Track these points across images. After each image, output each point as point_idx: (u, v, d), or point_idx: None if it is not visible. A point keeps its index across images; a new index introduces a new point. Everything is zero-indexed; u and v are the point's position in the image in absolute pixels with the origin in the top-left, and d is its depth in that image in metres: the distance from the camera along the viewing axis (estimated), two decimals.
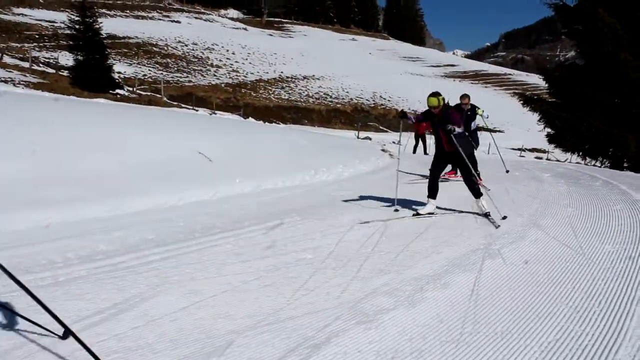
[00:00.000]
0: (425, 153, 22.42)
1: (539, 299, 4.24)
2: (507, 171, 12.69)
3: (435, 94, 7.52)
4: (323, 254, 5.50)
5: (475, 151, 8.62)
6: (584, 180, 11.56)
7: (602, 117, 20.34)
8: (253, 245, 5.76)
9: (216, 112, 35.80)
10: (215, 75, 61.75)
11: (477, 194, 7.57)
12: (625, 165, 21.04)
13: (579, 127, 20.99)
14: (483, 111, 11.38)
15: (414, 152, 22.47)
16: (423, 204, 7.86)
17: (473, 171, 7.54)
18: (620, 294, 4.33)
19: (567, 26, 22.59)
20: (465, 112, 11.06)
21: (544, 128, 23.13)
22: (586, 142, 21.69)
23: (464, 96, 11.18)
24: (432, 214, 7.61)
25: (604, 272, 4.87)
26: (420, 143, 22.33)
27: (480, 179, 9.15)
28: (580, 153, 22.78)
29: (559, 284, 4.59)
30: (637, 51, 19.33)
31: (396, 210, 7.89)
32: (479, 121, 11.71)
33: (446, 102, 7.77)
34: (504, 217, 7.32)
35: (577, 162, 22.96)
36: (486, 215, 7.39)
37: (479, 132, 11.85)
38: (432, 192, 7.66)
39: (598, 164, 22.23)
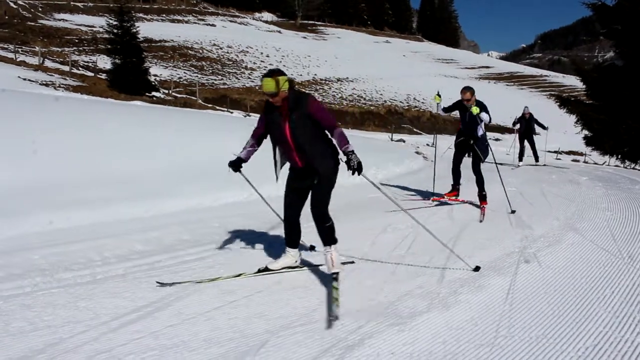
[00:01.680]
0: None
1: (576, 303, 4.16)
2: (514, 211, 8.14)
3: (273, 73, 4.35)
4: (357, 255, 5.50)
5: (482, 164, 8.39)
6: (622, 183, 11.31)
7: None
8: (280, 244, 5.79)
9: (250, 114, 36.02)
10: (249, 78, 62.18)
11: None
12: None
13: (618, 129, 20.56)
14: (479, 110, 8.06)
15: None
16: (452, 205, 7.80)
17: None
18: None
19: (606, 26, 22.16)
20: (469, 111, 8.26)
21: (582, 130, 22.74)
22: (625, 144, 21.23)
23: (465, 89, 8.40)
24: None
25: None
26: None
27: (485, 202, 8.24)
28: (619, 156, 22.31)
29: (597, 288, 4.50)
30: None
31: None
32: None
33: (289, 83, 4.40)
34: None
35: (615, 166, 22.45)
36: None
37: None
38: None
39: (638, 167, 21.74)
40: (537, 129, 16.63)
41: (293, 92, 4.42)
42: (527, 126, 16.22)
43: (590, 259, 5.37)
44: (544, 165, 16.59)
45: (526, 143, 16.44)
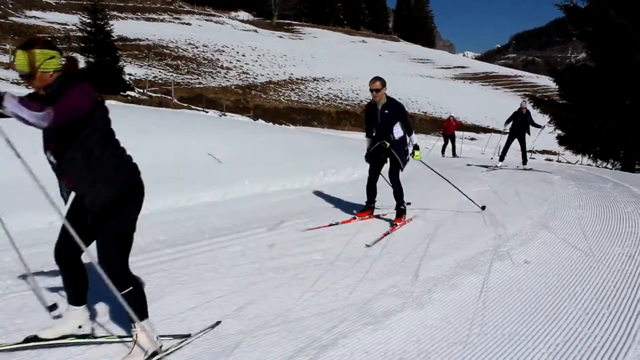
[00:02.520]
0: (454, 154, 22.14)
1: (547, 300, 4.23)
2: (483, 207, 8.19)
3: (29, 45, 2.98)
4: (332, 255, 5.52)
5: (401, 171, 7.20)
6: (594, 182, 11.49)
7: (613, 119, 20.21)
8: (262, 246, 5.79)
9: (226, 113, 35.88)
10: (225, 77, 61.91)
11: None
12: (636, 167, 20.91)
13: (590, 129, 20.90)
14: (390, 143, 7.02)
15: (443, 153, 22.21)
16: (429, 209, 7.85)
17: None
18: (630, 296, 4.31)
19: (578, 28, 22.50)
20: (382, 108, 6.99)
21: (555, 130, 23.06)
22: (597, 144, 21.58)
23: (374, 79, 7.07)
24: None
25: (613, 275, 4.85)
26: (450, 144, 22.24)
27: (401, 219, 7.11)
28: (591, 155, 22.67)
29: (568, 286, 4.57)
30: None
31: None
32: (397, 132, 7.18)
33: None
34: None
35: (587, 164, 22.80)
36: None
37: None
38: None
39: (609, 166, 22.11)
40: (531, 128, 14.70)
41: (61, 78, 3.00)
42: (522, 123, 14.20)
43: (562, 256, 5.46)
44: (530, 169, 14.55)
45: (515, 142, 14.58)
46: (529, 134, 14.51)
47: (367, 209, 7.47)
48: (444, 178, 8.49)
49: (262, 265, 5.11)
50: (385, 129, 7.05)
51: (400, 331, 3.63)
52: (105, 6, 41.08)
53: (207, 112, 34.61)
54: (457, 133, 23.78)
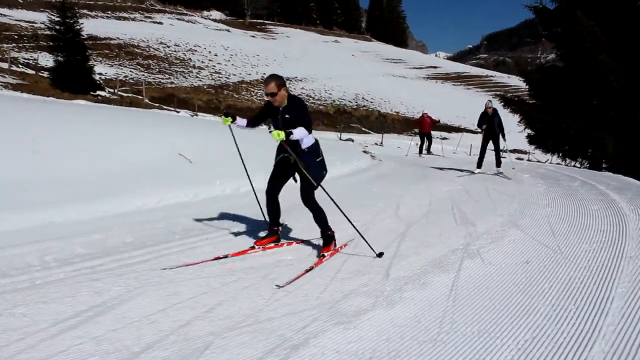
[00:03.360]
0: (429, 152, 22.20)
1: (516, 298, 4.28)
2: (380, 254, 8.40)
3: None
4: (303, 256, 5.50)
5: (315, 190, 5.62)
6: (563, 180, 11.69)
7: (581, 118, 20.59)
8: (233, 247, 5.74)
9: (198, 113, 35.65)
10: (197, 77, 61.51)
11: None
12: (603, 165, 21.29)
13: (559, 129, 21.26)
14: (284, 135, 5.18)
15: (420, 152, 21.96)
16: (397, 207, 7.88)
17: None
18: (596, 292, 4.39)
19: (547, 29, 22.87)
20: (283, 112, 5.56)
21: (525, 129, 23.39)
22: (566, 143, 21.97)
23: (270, 78, 5.54)
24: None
25: (580, 271, 4.93)
26: (426, 142, 22.17)
27: (329, 248, 5.62)
28: (560, 154, 23.05)
29: (536, 283, 4.64)
30: (615, 53, 19.57)
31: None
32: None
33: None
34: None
35: (557, 163, 23.19)
36: None
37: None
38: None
39: (577, 164, 22.48)
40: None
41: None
42: (489, 124, 13.20)
43: (531, 254, 5.54)
44: (501, 173, 13.60)
45: (490, 145, 13.65)
46: (504, 137, 13.42)
47: (270, 234, 5.89)
48: (335, 203, 6.87)
49: (233, 266, 5.08)
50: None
51: (370, 330, 3.64)
52: (74, 4, 40.59)
53: (178, 112, 34.38)
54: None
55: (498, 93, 33.90)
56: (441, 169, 14.79)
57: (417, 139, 23.06)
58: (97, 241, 5.69)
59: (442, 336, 3.55)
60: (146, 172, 8.77)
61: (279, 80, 5.45)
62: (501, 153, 14.16)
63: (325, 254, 5.48)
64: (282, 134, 5.13)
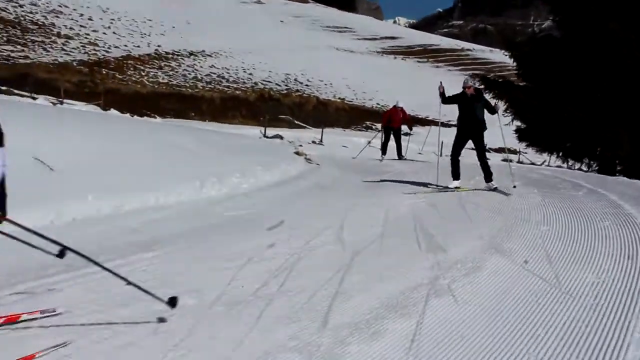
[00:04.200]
0: (400, 156, 22.21)
1: (501, 349, 4.30)
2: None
3: None
4: (210, 298, 5.40)
5: None
6: (563, 189, 11.99)
7: (586, 106, 21.00)
8: (112, 288, 5.58)
9: (64, 101, 34.94)
10: (63, 50, 60.43)
11: None
12: (617, 168, 21.82)
13: (557, 120, 21.60)
14: None
15: (384, 152, 22.16)
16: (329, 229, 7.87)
17: None
18: (606, 339, 4.45)
19: None
20: None
21: (512, 121, 23.74)
22: (567, 139, 22.38)
23: None
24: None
25: (585, 311, 5.00)
26: (393, 141, 22.18)
27: None
28: (560, 154, 23.48)
29: (527, 327, 4.67)
30: (630, 19, 19.99)
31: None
32: None
33: None
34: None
35: (557, 166, 23.74)
36: None
37: None
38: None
39: (583, 167, 23.06)
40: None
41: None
42: (468, 112, 12.49)
43: (521, 289, 5.59)
44: (494, 189, 12.62)
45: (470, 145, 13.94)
46: (484, 126, 12.63)
47: None
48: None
49: (110, 315, 4.92)
50: None
51: None
52: None
53: (35, 98, 33.55)
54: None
55: (477, 72, 34.63)
56: (401, 176, 14.91)
57: (378, 138, 23.37)
58: None
59: None
60: None
61: None
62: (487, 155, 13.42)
63: None
64: None
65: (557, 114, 21.51)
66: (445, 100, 13.10)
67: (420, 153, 28.58)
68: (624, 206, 9.66)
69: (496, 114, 13.19)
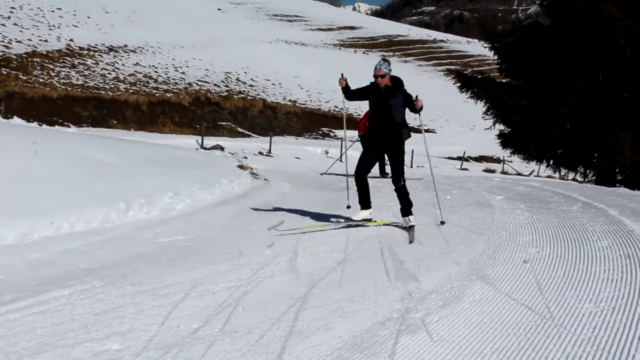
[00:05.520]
0: (384, 174, 20.73)
1: None
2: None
3: None
4: (139, 342, 5.38)
5: None
6: (555, 203, 12.14)
7: (581, 105, 21.26)
8: (19, 333, 5.54)
9: None
10: None
11: None
12: (617, 177, 22.05)
13: (547, 122, 21.74)
14: None
15: (382, 174, 20.84)
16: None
17: None
18: None
19: None
20: None
21: (494, 125, 23.90)
22: (558, 144, 22.53)
23: None
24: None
25: (582, 346, 5.07)
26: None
27: None
28: (551, 162, 23.66)
29: None
30: (628, 2, 20.26)
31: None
32: None
33: None
34: None
35: (548, 176, 23.98)
36: None
37: None
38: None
39: (578, 177, 23.31)
40: None
41: None
42: (382, 109, 10.28)
43: (506, 322, 5.65)
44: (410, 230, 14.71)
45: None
46: (406, 133, 10.61)
47: None
48: None
49: None
50: None
51: None
52: None
53: None
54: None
55: (452, 67, 34.90)
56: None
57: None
58: None
59: None
60: None
61: None
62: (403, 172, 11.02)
63: None
64: None
65: (547, 115, 21.65)
66: (350, 95, 10.90)
67: (387, 164, 28.60)
68: (625, 222, 9.76)
69: (419, 115, 10.58)
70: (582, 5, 20.44)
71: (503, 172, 31.12)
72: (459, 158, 42.30)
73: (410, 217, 10.33)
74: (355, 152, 13.55)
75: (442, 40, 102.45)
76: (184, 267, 7.74)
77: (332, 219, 11.08)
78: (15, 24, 68.19)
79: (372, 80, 10.40)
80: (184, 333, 5.58)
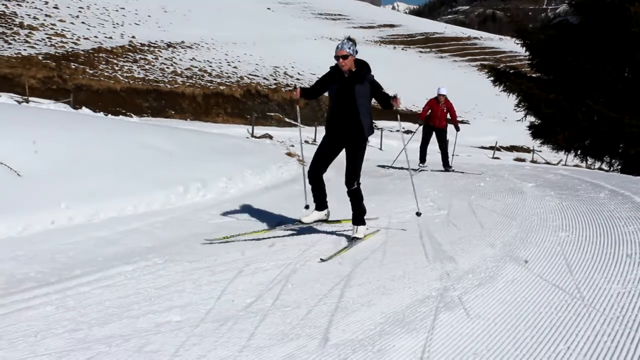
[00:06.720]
0: (447, 167, 18.14)
1: None
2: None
3: None
4: (198, 315, 5.41)
5: None
6: (583, 190, 12.00)
7: (607, 98, 21.04)
8: (89, 305, 5.60)
9: (29, 99, 34.88)
10: (27, 42, 60.23)
11: None
12: None
13: (575, 114, 21.62)
14: None
15: (423, 160, 18.38)
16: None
17: None
18: (635, 355, 4.46)
19: None
20: None
21: (525, 117, 23.74)
22: (586, 135, 22.40)
23: None
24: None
25: (611, 325, 5.00)
26: (435, 142, 18.22)
27: None
28: (579, 152, 23.49)
29: (547, 343, 4.68)
30: None
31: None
32: None
33: None
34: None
35: (575, 165, 23.73)
36: None
37: None
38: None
39: (604, 166, 23.08)
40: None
41: None
42: (345, 100, 10.52)
43: (538, 301, 5.60)
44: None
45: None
46: (369, 128, 8.99)
47: None
48: None
49: (88, 334, 4.93)
50: None
51: None
52: None
53: None
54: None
55: (486, 62, 34.64)
56: (404, 178, 14.90)
57: (417, 137, 19.70)
58: None
59: None
60: None
61: None
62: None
63: None
64: None
65: (575, 108, 21.53)
66: (309, 94, 8.96)
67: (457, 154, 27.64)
68: None
69: (396, 109, 8.30)
70: (609, 5, 20.26)
71: (533, 161, 30.81)
72: (491, 147, 42.01)
73: (360, 228, 8.46)
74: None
75: (475, 38, 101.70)
76: (238, 247, 7.78)
77: (372, 204, 11.06)
78: (83, 22, 68.74)
79: (334, 65, 8.38)
80: (238, 307, 5.60)
